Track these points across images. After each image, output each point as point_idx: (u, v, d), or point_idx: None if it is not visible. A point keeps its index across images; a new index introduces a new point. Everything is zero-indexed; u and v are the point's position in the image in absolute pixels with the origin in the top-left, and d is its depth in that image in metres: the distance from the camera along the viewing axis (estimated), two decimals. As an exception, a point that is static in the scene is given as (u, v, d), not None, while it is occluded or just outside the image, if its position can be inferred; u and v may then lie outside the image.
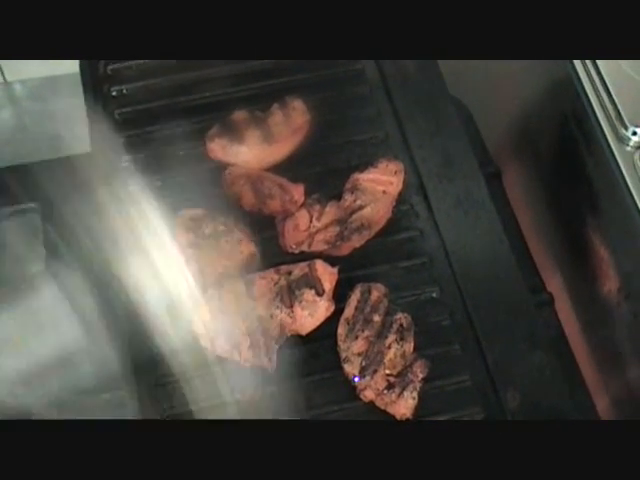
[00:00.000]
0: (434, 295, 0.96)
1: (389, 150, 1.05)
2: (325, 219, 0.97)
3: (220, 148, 1.03)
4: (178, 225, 0.97)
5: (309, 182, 1.00)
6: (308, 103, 1.05)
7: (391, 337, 0.89)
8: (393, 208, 1.00)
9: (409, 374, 0.88)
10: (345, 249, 0.97)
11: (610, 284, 1.02)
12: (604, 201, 1.02)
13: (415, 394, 0.87)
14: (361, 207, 0.98)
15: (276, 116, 1.04)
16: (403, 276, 0.97)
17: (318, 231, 0.97)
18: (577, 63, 1.03)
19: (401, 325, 0.90)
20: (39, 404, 0.98)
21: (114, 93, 1.09)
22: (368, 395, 0.88)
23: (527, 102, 1.18)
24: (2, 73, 1.25)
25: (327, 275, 0.91)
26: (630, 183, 0.95)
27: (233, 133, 1.02)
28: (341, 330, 0.91)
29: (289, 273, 0.92)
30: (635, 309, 0.98)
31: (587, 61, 1.02)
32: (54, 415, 0.99)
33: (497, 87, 1.22)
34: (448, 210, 1.01)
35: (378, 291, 0.92)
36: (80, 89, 1.08)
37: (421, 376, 0.88)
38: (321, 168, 1.04)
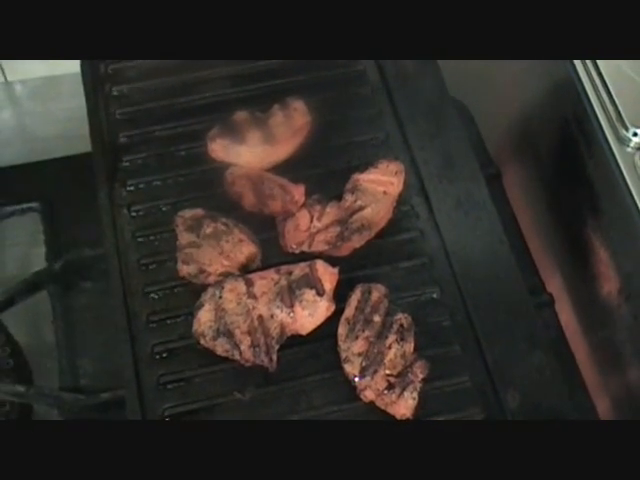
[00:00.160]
0: (434, 296, 0.96)
1: (390, 151, 1.05)
2: (326, 219, 0.97)
3: (221, 148, 1.03)
4: (179, 225, 0.97)
5: (310, 182, 1.00)
6: (309, 104, 1.05)
7: (391, 337, 0.89)
8: (394, 209, 1.00)
9: (409, 374, 0.88)
10: (345, 249, 0.97)
11: (610, 285, 1.02)
12: (604, 202, 1.02)
13: (415, 394, 0.87)
14: (362, 208, 0.98)
15: (277, 117, 1.04)
16: (403, 277, 0.97)
17: (319, 231, 0.97)
18: (578, 64, 1.03)
19: (401, 325, 0.90)
20: None
21: (115, 93, 1.09)
22: (368, 395, 0.88)
23: (527, 103, 1.18)
24: (3, 73, 1.25)
25: (328, 275, 0.91)
26: (631, 184, 0.95)
27: (234, 134, 1.03)
28: (341, 330, 0.91)
29: (290, 273, 0.92)
30: (635, 310, 0.98)
31: (588, 62, 1.02)
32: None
33: (498, 88, 1.22)
34: (449, 211, 1.01)
35: (378, 291, 0.92)
36: (81, 89, 1.08)
37: (421, 376, 0.88)
38: (322, 169, 1.04)
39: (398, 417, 0.87)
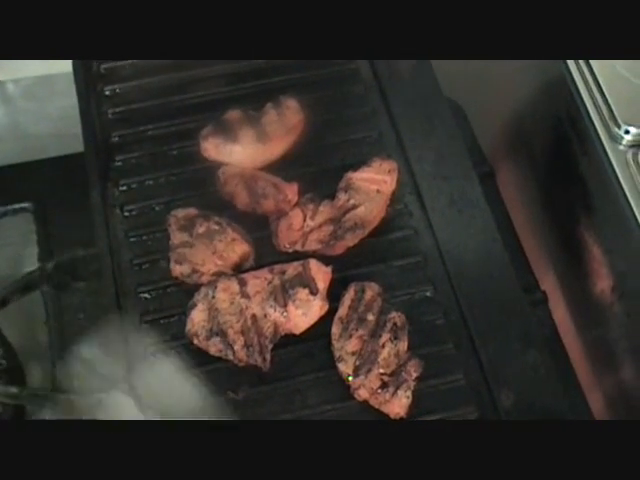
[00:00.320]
0: (428, 294, 0.96)
1: (383, 149, 1.05)
2: (319, 218, 0.97)
3: (214, 147, 1.03)
4: (171, 225, 0.97)
5: (303, 181, 1.00)
6: (302, 102, 1.05)
7: (385, 336, 0.89)
8: (387, 207, 1.00)
9: (403, 373, 0.88)
10: (339, 248, 0.97)
11: (604, 283, 1.02)
12: (597, 200, 1.02)
13: (409, 393, 0.87)
14: (355, 206, 0.98)
15: (270, 115, 1.04)
16: (397, 275, 0.97)
17: (312, 230, 0.97)
18: (570, 63, 1.03)
19: (395, 324, 0.90)
20: None
21: (107, 92, 1.09)
22: (362, 394, 0.88)
23: (521, 102, 1.18)
24: (-5, 72, 1.25)
25: (321, 274, 0.91)
26: (623, 182, 0.95)
27: (227, 132, 1.02)
28: (335, 329, 0.90)
29: (283, 272, 0.92)
30: (629, 308, 0.98)
31: (580, 61, 1.02)
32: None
33: (491, 87, 1.22)
34: (442, 209, 1.01)
35: (372, 290, 0.92)
36: (73, 88, 1.08)
37: (415, 375, 0.88)
38: (315, 167, 1.04)
39: (392, 416, 0.87)
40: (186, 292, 0.93)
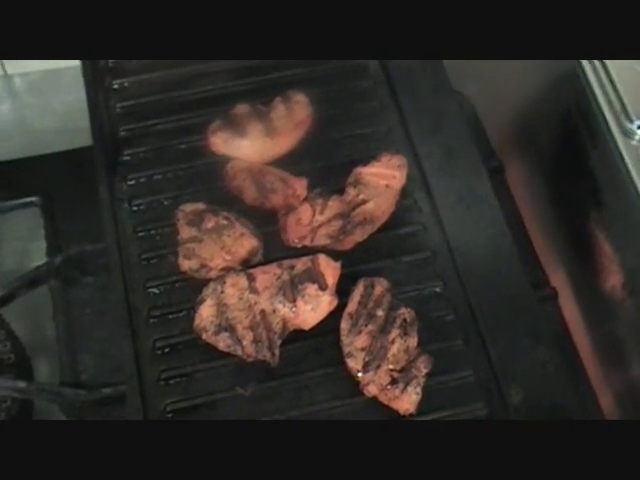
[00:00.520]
0: (437, 290, 0.95)
1: (392, 144, 1.05)
2: (328, 213, 0.97)
3: (222, 142, 1.02)
4: (180, 219, 0.96)
5: (312, 176, 1.00)
6: (311, 97, 1.05)
7: (394, 332, 0.89)
8: (396, 202, 0.99)
9: (412, 369, 0.87)
10: (348, 243, 0.96)
11: (614, 279, 1.01)
12: (608, 195, 1.01)
13: (419, 389, 0.87)
14: (364, 201, 0.97)
15: (278, 110, 1.04)
16: (406, 271, 0.96)
17: (321, 225, 0.96)
18: (582, 56, 1.02)
19: (404, 320, 0.90)
20: None
21: (115, 86, 1.09)
22: (371, 390, 0.87)
23: (531, 96, 1.18)
24: (3, 66, 1.25)
25: (330, 270, 0.91)
26: (635, 177, 0.94)
27: (235, 127, 1.02)
28: (344, 325, 0.90)
29: (292, 267, 0.91)
30: (639, 305, 0.98)
31: (593, 55, 1.01)
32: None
33: (500, 81, 1.21)
34: (451, 205, 1.00)
35: (381, 286, 0.92)
36: (81, 82, 1.07)
37: (425, 371, 0.88)
38: (324, 162, 1.03)
39: (401, 412, 0.87)
40: (194, 287, 0.93)
